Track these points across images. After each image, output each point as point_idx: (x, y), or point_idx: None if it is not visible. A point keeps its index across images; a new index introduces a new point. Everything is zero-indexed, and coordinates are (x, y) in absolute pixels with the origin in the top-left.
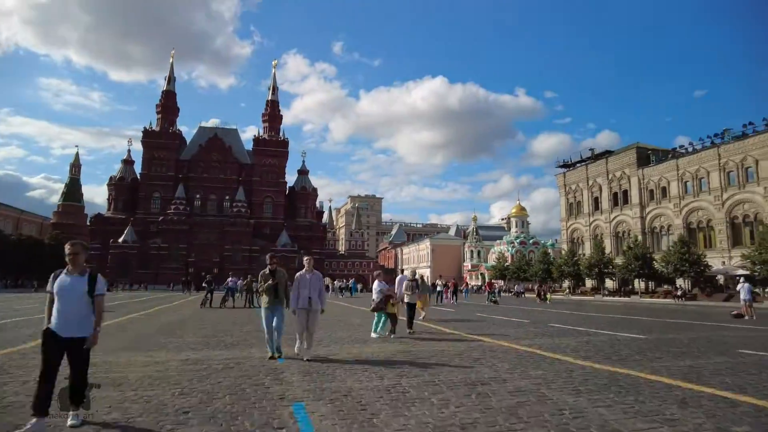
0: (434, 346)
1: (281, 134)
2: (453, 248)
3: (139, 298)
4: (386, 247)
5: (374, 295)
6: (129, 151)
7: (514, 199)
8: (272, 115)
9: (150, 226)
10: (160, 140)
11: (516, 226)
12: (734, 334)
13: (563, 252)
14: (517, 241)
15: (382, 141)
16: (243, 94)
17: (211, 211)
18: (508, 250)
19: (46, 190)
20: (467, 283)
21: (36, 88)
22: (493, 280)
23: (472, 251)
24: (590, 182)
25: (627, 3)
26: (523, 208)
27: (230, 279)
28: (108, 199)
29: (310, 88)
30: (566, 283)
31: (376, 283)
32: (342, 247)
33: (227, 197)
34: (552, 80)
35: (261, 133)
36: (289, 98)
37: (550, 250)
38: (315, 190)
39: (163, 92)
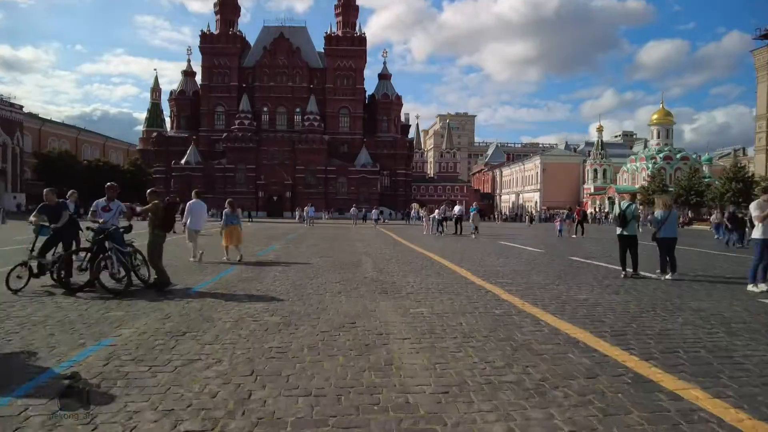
0: None
1: (358, 30)
2: (570, 167)
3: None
4: (481, 170)
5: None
6: (189, 60)
7: (618, 117)
8: (346, 5)
9: (215, 144)
10: (219, 45)
11: (657, 137)
12: None
13: (729, 168)
14: (660, 155)
15: (465, 57)
16: None
17: (280, 125)
18: (648, 167)
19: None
20: (587, 210)
21: (134, 26)
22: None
23: (596, 170)
24: None
25: None
26: (668, 113)
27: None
28: (170, 116)
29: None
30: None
31: None
32: (431, 170)
33: (298, 109)
34: None
35: (333, 29)
36: (366, 14)
37: (705, 168)
38: (399, 98)
39: None
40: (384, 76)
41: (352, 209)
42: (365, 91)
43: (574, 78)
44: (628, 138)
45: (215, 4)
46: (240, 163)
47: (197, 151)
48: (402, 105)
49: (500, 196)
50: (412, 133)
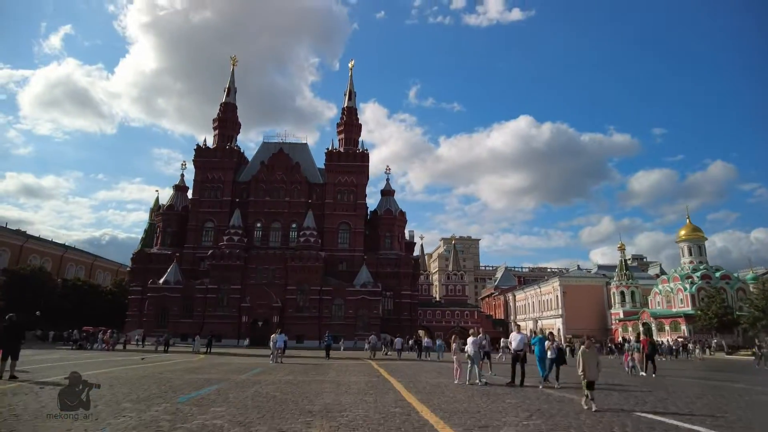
0: None
1: (360, 147)
2: (592, 290)
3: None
4: (491, 294)
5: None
6: (182, 175)
7: (616, 242)
8: (349, 123)
9: (200, 262)
10: (215, 159)
11: (689, 254)
12: None
13: None
14: (697, 273)
15: (462, 188)
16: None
17: (273, 242)
18: (686, 288)
19: None
20: (622, 338)
21: (151, 157)
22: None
23: (623, 293)
24: None
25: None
26: (697, 228)
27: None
28: (156, 233)
29: (388, 135)
30: None
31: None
32: (436, 294)
33: (294, 224)
34: (653, 116)
35: (336, 145)
36: (368, 148)
37: (752, 286)
38: (403, 214)
39: (221, 104)
40: (387, 192)
41: (371, 337)
42: (367, 207)
43: (570, 206)
44: (640, 261)
45: (213, 120)
46: (224, 282)
47: (179, 270)
48: (406, 221)
49: (515, 322)
50: (417, 251)
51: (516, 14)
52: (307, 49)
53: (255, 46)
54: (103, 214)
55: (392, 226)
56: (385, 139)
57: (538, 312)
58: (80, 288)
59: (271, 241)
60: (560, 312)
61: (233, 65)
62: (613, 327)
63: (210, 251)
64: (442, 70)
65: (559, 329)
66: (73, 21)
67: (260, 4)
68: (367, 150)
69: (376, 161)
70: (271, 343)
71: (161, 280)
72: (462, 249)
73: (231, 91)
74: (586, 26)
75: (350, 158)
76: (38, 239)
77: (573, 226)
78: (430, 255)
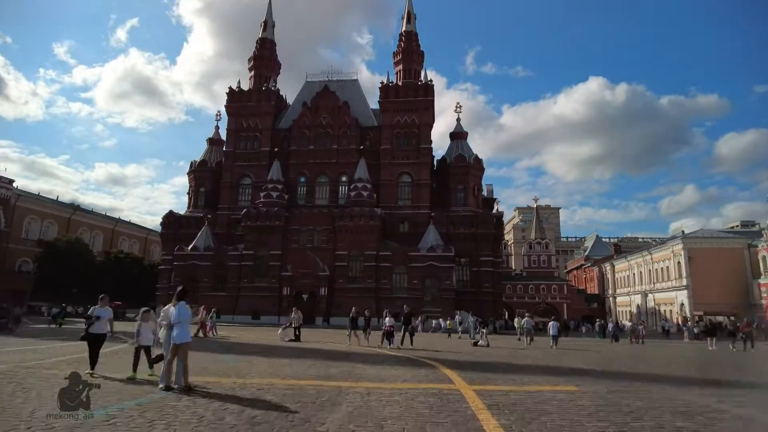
0: None
1: (423, 77)
2: (729, 255)
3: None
4: (582, 265)
5: None
6: (216, 126)
7: (703, 215)
8: (408, 51)
9: (236, 226)
10: (250, 103)
11: None
12: None
13: None
14: None
15: (526, 160)
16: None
17: (320, 198)
18: None
19: None
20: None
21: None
22: None
23: None
24: None
25: None
26: None
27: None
28: (188, 193)
29: (447, 105)
30: None
31: None
32: (515, 266)
33: (344, 177)
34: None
35: (393, 79)
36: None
37: None
38: (479, 161)
39: (257, 41)
40: (458, 135)
41: (461, 316)
42: (433, 154)
43: (649, 175)
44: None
45: (249, 59)
46: (262, 248)
47: (211, 234)
48: (483, 170)
49: (614, 297)
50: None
51: None
52: (360, 25)
53: (305, 24)
54: (183, 200)
55: (466, 176)
56: (444, 110)
57: (648, 284)
58: (123, 261)
59: (317, 197)
60: (685, 283)
61: None
62: (764, 302)
63: (244, 211)
64: (503, 33)
65: (682, 304)
66: (138, 14)
67: None
68: (431, 81)
69: (435, 136)
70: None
71: (190, 247)
72: (541, 219)
73: (268, 25)
74: None
75: (411, 92)
76: (87, 212)
77: (652, 197)
78: (504, 227)
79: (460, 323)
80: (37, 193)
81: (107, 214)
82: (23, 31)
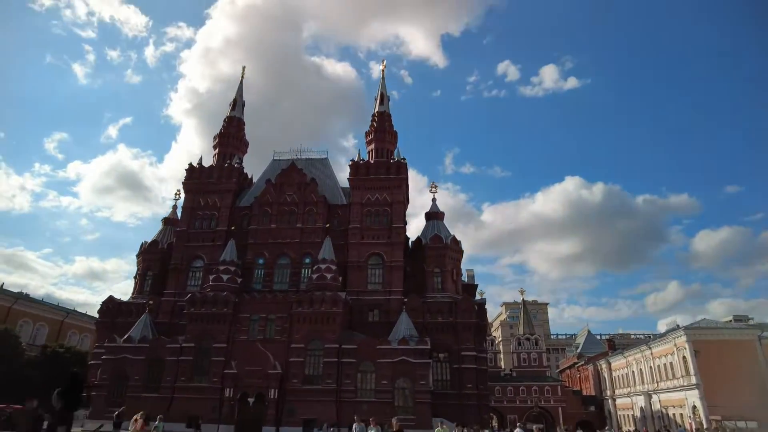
0: None
1: (396, 156)
2: (739, 347)
3: None
4: (574, 364)
5: None
6: (174, 206)
7: (689, 312)
8: (381, 130)
9: (182, 314)
10: (210, 180)
11: None
12: None
13: None
14: None
15: (507, 257)
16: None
17: (280, 283)
18: None
19: None
20: None
21: None
22: None
23: None
24: None
25: None
26: None
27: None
28: (134, 277)
29: (428, 203)
30: None
31: None
32: (504, 364)
33: (307, 259)
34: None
35: (364, 157)
36: (410, 217)
37: None
38: (457, 242)
39: (225, 119)
40: (434, 215)
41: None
42: (407, 235)
43: (631, 272)
44: (745, 322)
45: (214, 137)
46: (206, 339)
47: (150, 323)
48: (462, 252)
49: (613, 399)
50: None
51: (572, 82)
52: (344, 128)
53: (291, 126)
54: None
55: (443, 258)
56: (426, 207)
57: (651, 383)
58: (62, 356)
59: (276, 281)
60: (694, 381)
61: (241, 77)
62: None
63: (188, 296)
64: (478, 136)
65: (694, 406)
66: (132, 113)
67: (297, 88)
68: (404, 159)
69: (414, 229)
70: None
71: (124, 338)
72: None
73: (237, 104)
74: (641, 87)
75: (382, 169)
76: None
77: (637, 294)
78: (491, 324)
79: None
80: None
81: (59, 304)
82: (15, 126)
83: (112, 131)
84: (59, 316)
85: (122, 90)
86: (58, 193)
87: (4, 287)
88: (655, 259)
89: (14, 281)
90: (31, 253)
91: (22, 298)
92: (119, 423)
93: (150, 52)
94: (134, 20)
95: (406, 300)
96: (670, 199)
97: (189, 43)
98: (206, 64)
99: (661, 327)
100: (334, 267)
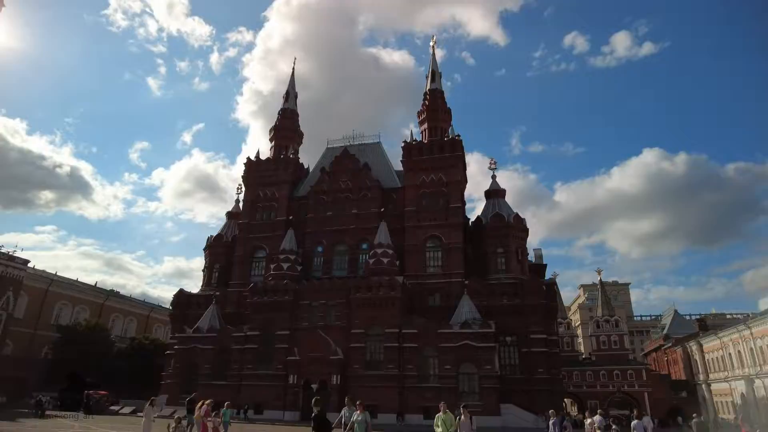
0: None
1: (450, 134)
2: None
3: None
4: (661, 346)
5: None
6: (237, 200)
7: None
8: (433, 109)
9: (246, 303)
10: (267, 172)
11: None
12: None
13: None
14: None
15: (584, 238)
16: None
17: (338, 270)
18: None
19: None
20: None
21: None
22: None
23: None
24: None
25: None
26: None
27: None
28: (203, 270)
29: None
30: None
31: None
32: (583, 349)
33: (364, 244)
34: None
35: (418, 138)
36: (477, 202)
37: None
38: (521, 220)
39: (279, 111)
40: (494, 193)
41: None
42: (465, 215)
43: (724, 248)
44: None
45: (270, 130)
46: (268, 327)
47: (218, 314)
48: (527, 231)
49: (707, 384)
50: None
51: (648, 48)
52: (405, 117)
53: (353, 120)
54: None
55: (506, 237)
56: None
57: (752, 366)
58: (146, 347)
59: (335, 268)
60: None
61: (293, 68)
62: None
63: (251, 286)
64: (546, 112)
65: None
66: (203, 119)
67: (356, 81)
68: (459, 136)
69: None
70: None
71: (192, 329)
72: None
73: (290, 96)
74: (724, 45)
75: (436, 149)
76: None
77: (732, 272)
78: (568, 308)
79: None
80: (75, 279)
81: (146, 300)
82: (103, 141)
83: (187, 137)
84: (145, 311)
85: (192, 98)
86: (146, 199)
87: (97, 285)
88: (752, 233)
89: (115, 282)
90: (127, 255)
91: (113, 295)
92: (192, 409)
93: (215, 59)
94: (199, 31)
95: (467, 282)
96: (767, 165)
97: (250, 47)
98: (267, 65)
99: (763, 306)
100: (390, 251)
